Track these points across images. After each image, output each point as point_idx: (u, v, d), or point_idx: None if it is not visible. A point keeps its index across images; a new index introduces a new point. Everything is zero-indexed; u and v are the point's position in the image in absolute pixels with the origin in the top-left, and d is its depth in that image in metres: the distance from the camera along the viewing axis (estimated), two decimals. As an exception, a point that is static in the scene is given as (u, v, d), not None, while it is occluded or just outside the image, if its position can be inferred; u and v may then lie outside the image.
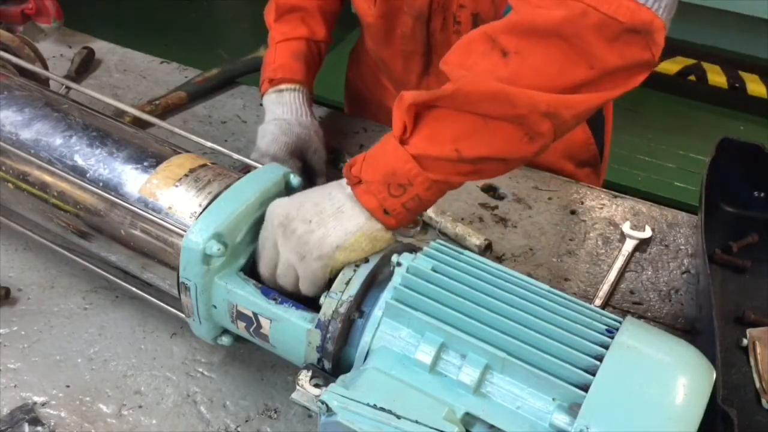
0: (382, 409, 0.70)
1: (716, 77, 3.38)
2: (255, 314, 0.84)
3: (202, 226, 0.84)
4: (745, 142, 1.17)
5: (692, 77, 3.40)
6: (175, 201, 0.89)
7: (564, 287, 1.13)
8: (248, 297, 0.84)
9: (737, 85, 3.35)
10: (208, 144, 1.02)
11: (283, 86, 1.27)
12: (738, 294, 1.09)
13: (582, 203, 1.29)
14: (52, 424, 0.90)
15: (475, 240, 1.17)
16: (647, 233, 1.22)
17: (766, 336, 1.01)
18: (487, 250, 1.17)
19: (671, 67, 3.39)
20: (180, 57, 1.71)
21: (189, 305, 0.88)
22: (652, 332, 0.75)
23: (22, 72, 1.18)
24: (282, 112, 1.25)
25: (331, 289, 0.81)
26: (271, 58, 1.29)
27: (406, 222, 0.84)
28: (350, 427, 0.70)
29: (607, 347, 0.71)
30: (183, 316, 0.91)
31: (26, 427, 0.89)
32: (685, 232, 1.24)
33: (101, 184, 0.93)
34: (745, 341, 1.01)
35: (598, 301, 1.10)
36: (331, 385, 0.73)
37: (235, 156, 1.01)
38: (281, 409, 0.94)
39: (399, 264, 0.80)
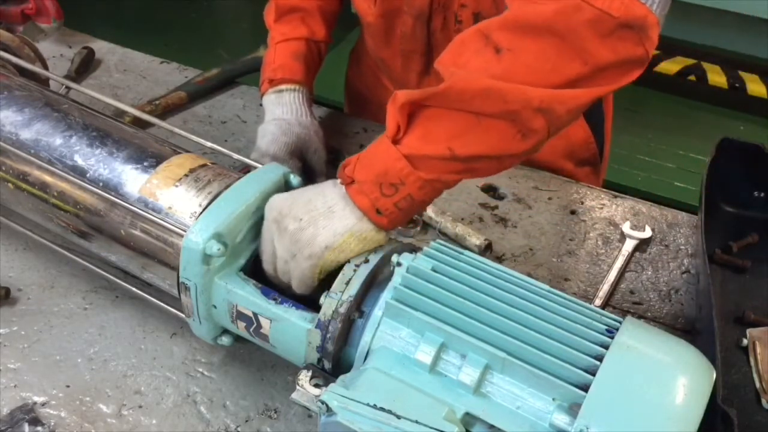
0: (382, 409, 0.70)
1: (716, 77, 3.38)
2: (255, 314, 0.84)
3: (202, 226, 0.84)
4: (745, 142, 1.17)
5: (692, 77, 3.40)
6: (175, 201, 0.89)
7: (564, 287, 1.13)
8: (248, 297, 0.84)
9: (737, 85, 3.35)
10: (208, 144, 1.02)
11: (282, 86, 1.27)
12: (738, 294, 1.09)
13: (582, 203, 1.29)
14: (52, 424, 0.90)
15: (475, 240, 1.17)
16: (647, 233, 1.22)
17: (766, 336, 1.01)
18: (487, 250, 1.17)
19: (671, 67, 3.40)
20: (180, 57, 1.71)
21: (189, 305, 0.88)
22: (652, 332, 0.75)
23: (22, 72, 1.18)
24: (282, 112, 1.25)
25: (331, 289, 0.81)
26: (271, 59, 1.29)
27: (399, 222, 0.84)
28: (350, 427, 0.70)
29: (607, 347, 0.71)
30: (183, 316, 0.91)
31: (26, 427, 0.89)
32: (685, 232, 1.24)
33: (101, 184, 0.93)
34: (745, 341, 1.01)
35: (598, 301, 1.10)
36: (331, 385, 0.73)
37: (235, 156, 1.01)
38: (281, 409, 0.94)
39: (399, 264, 0.80)
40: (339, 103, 1.64)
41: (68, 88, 1.24)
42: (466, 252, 0.83)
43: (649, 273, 1.16)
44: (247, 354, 1.00)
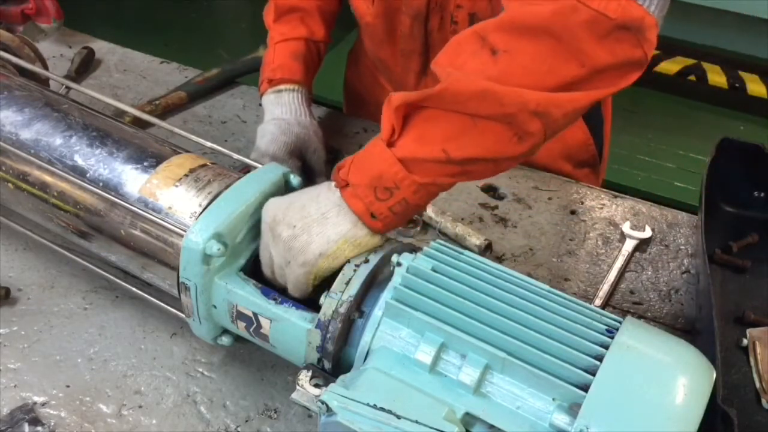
0: (382, 409, 0.70)
1: (716, 77, 3.38)
2: (255, 314, 0.84)
3: (202, 226, 0.84)
4: (745, 142, 1.17)
5: (692, 77, 3.40)
6: (175, 201, 0.89)
7: (564, 287, 1.13)
8: (248, 297, 0.84)
9: (737, 85, 3.35)
10: (208, 144, 1.02)
11: (281, 87, 1.27)
12: (738, 294, 1.09)
13: (582, 203, 1.29)
14: (52, 424, 0.90)
15: (475, 240, 1.17)
16: (647, 233, 1.22)
17: (766, 336, 1.01)
18: (487, 250, 1.17)
19: (671, 67, 3.40)
20: (180, 57, 1.71)
21: (189, 305, 0.88)
22: (652, 332, 0.75)
23: (22, 72, 1.18)
24: (281, 112, 1.25)
25: (331, 289, 0.81)
26: (270, 59, 1.29)
27: (393, 225, 0.84)
28: (350, 427, 0.70)
29: (607, 347, 0.71)
30: (183, 316, 0.91)
31: (26, 427, 0.89)
32: (685, 232, 1.24)
33: (101, 184, 0.93)
34: (745, 341, 1.01)
35: (598, 301, 1.10)
36: (331, 385, 0.73)
37: (235, 156, 1.01)
38: (281, 409, 0.94)
39: (399, 264, 0.80)
40: (338, 103, 1.64)
41: (68, 88, 1.24)
42: (466, 252, 0.83)
43: (649, 273, 1.16)
44: (247, 354, 1.00)
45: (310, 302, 0.84)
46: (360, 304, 0.81)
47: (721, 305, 1.05)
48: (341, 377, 0.75)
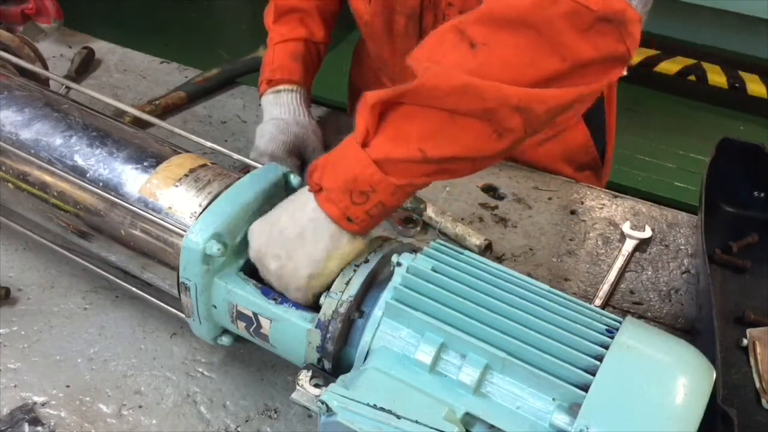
0: (382, 409, 0.70)
1: (716, 77, 3.38)
2: (255, 314, 0.84)
3: (202, 226, 0.84)
4: (745, 142, 1.16)
5: (692, 77, 3.40)
6: (175, 201, 0.89)
7: (564, 287, 1.13)
8: (248, 297, 0.84)
9: (737, 85, 3.35)
10: (208, 144, 1.02)
11: (280, 87, 1.27)
12: (738, 294, 1.09)
13: (582, 203, 1.29)
14: (52, 424, 0.90)
15: (475, 240, 1.17)
16: (647, 233, 1.22)
17: (766, 336, 1.01)
18: (487, 250, 1.17)
19: (671, 67, 3.40)
20: (180, 57, 1.71)
21: (189, 305, 0.88)
22: (652, 332, 0.75)
23: (22, 72, 1.18)
24: (280, 112, 1.25)
25: (331, 289, 0.81)
26: (270, 59, 1.29)
27: (371, 227, 0.82)
28: (350, 427, 0.70)
29: (607, 347, 0.71)
30: (183, 316, 0.91)
31: (26, 427, 0.89)
32: (685, 232, 1.24)
33: (101, 184, 0.93)
34: (745, 341, 1.01)
35: (598, 301, 1.10)
36: (331, 385, 0.73)
37: (235, 156, 1.01)
38: (281, 409, 0.94)
39: (399, 264, 0.80)
40: (339, 103, 1.64)
41: (68, 88, 1.25)
42: (466, 252, 0.83)
43: (649, 273, 1.16)
44: (247, 354, 1.00)
45: (310, 302, 0.84)
46: (360, 304, 0.81)
47: (721, 305, 1.05)
48: (341, 377, 0.75)
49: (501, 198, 1.30)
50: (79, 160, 0.95)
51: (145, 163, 0.93)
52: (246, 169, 1.00)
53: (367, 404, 0.70)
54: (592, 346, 0.71)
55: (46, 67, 1.27)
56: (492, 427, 0.71)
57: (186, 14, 4.15)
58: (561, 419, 0.69)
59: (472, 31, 0.78)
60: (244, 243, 0.87)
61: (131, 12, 4.09)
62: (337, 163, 0.79)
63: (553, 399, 0.70)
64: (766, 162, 1.15)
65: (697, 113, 3.32)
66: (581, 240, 1.22)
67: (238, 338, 0.93)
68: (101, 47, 1.66)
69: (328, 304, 0.80)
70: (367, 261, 0.82)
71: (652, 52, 3.38)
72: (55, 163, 0.95)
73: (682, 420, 0.66)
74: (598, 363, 0.70)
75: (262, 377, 0.98)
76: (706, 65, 3.43)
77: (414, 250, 0.85)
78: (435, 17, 1.21)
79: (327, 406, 0.71)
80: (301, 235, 0.80)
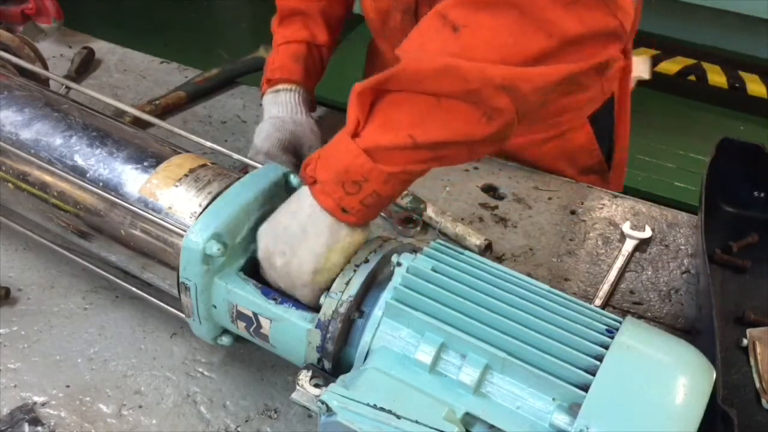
0: (382, 409, 0.70)
1: (716, 77, 3.38)
2: (255, 314, 0.84)
3: (202, 226, 0.84)
4: (745, 142, 1.16)
5: (692, 77, 3.40)
6: (175, 201, 0.89)
7: (564, 287, 1.13)
8: (248, 297, 0.84)
9: (737, 85, 3.34)
10: (208, 144, 1.02)
11: (279, 86, 1.27)
12: (738, 294, 1.09)
13: (582, 203, 1.29)
14: (52, 424, 0.90)
15: (475, 240, 1.17)
16: (647, 233, 1.22)
17: (766, 336, 1.01)
18: (487, 250, 1.17)
19: (671, 67, 3.39)
20: (180, 57, 1.71)
21: (189, 305, 0.88)
22: (652, 332, 0.75)
23: (22, 72, 1.18)
24: (277, 111, 1.25)
25: (331, 289, 0.81)
26: (271, 60, 1.30)
27: (368, 217, 0.82)
28: (350, 427, 0.70)
29: (607, 347, 0.71)
30: (183, 316, 0.91)
31: (26, 427, 0.89)
32: (685, 232, 1.24)
33: (101, 184, 0.93)
34: (745, 341, 1.01)
35: (598, 301, 1.10)
36: (331, 385, 0.73)
37: (235, 156, 1.01)
38: (281, 409, 0.94)
39: (399, 264, 0.80)
40: (340, 103, 1.63)
41: (68, 88, 1.24)
42: (466, 252, 0.83)
43: (649, 273, 1.16)
44: (247, 354, 1.00)
45: (310, 302, 0.84)
46: (360, 304, 0.81)
47: (721, 305, 1.05)
48: (341, 377, 0.75)
49: (501, 198, 1.30)
50: (79, 160, 0.95)
51: (145, 163, 0.93)
52: (246, 169, 1.00)
53: (367, 404, 0.70)
54: (592, 346, 0.71)
55: (46, 67, 1.27)
56: (492, 427, 0.71)
57: (186, 14, 4.15)
58: (561, 419, 0.69)
59: (453, 14, 0.77)
60: (244, 243, 0.87)
61: (131, 12, 4.09)
62: (329, 155, 0.80)
63: (553, 399, 0.70)
64: (766, 162, 1.15)
65: (697, 113, 3.31)
66: (581, 240, 1.22)
67: (238, 338, 0.93)
68: (101, 47, 1.66)
69: (328, 304, 0.80)
70: (367, 261, 0.82)
71: (652, 52, 3.38)
72: (55, 163, 0.95)
73: (682, 420, 0.66)
74: (598, 363, 0.70)
75: (262, 377, 0.98)
76: (706, 65, 3.42)
77: (414, 250, 0.85)
78: (430, 8, 1.21)
79: (327, 406, 0.71)
80: (303, 230, 0.81)
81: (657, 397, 0.67)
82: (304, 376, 0.79)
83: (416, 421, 0.69)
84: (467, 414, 0.72)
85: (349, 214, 0.80)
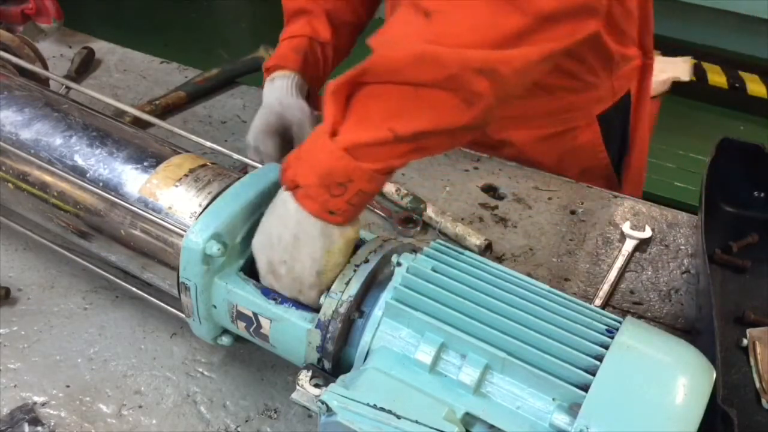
0: (382, 409, 0.70)
1: (716, 77, 3.38)
2: (255, 314, 0.84)
3: (202, 226, 0.84)
4: (745, 142, 1.16)
5: (692, 77, 3.40)
6: (175, 201, 0.89)
7: (564, 287, 1.13)
8: (248, 297, 0.84)
9: (737, 85, 3.35)
10: (208, 144, 1.02)
11: (275, 74, 1.23)
12: (738, 294, 1.09)
13: (582, 203, 1.29)
14: (52, 424, 0.90)
15: (475, 240, 1.17)
16: (647, 233, 1.22)
17: (766, 336, 1.01)
18: (487, 250, 1.17)
19: (671, 67, 3.40)
20: (180, 57, 1.71)
21: (189, 305, 0.88)
22: (652, 332, 0.75)
23: (22, 72, 1.18)
24: (268, 99, 1.21)
25: (331, 289, 0.81)
26: (273, 55, 1.29)
27: (355, 215, 0.80)
28: (350, 427, 0.70)
29: (607, 347, 0.71)
30: (183, 316, 0.91)
31: (26, 427, 0.89)
32: (685, 232, 1.24)
33: (101, 184, 0.93)
34: (745, 341, 1.01)
35: (598, 301, 1.10)
36: (331, 385, 0.73)
37: (235, 156, 1.01)
38: (281, 409, 0.94)
39: (399, 264, 0.80)
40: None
41: (68, 88, 1.25)
42: (466, 252, 0.83)
43: (649, 273, 1.16)
44: (247, 354, 1.00)
45: (310, 302, 0.84)
46: (360, 304, 0.81)
47: (721, 305, 1.05)
48: (341, 377, 0.75)
49: (501, 198, 1.30)
50: (79, 160, 0.95)
51: (145, 163, 0.93)
52: (246, 169, 1.00)
53: (367, 404, 0.70)
54: (592, 346, 0.71)
55: (46, 67, 1.27)
56: (492, 427, 0.71)
57: (186, 14, 4.16)
58: (561, 419, 0.69)
59: (425, 1, 0.75)
60: (244, 243, 0.87)
61: (131, 12, 4.09)
62: (308, 157, 0.78)
63: (553, 399, 0.70)
64: (766, 162, 1.15)
65: (697, 113, 3.31)
66: (581, 240, 1.22)
67: (238, 338, 0.93)
68: (101, 47, 1.66)
69: (328, 304, 0.80)
70: (367, 261, 0.82)
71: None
72: (55, 163, 0.95)
73: (682, 420, 0.66)
74: (598, 363, 0.70)
75: (262, 377, 0.98)
76: (706, 65, 3.42)
77: (414, 250, 0.85)
78: None
79: (327, 406, 0.71)
80: (296, 238, 0.80)
81: (657, 397, 0.67)
82: (304, 376, 0.79)
83: (416, 421, 0.69)
84: (467, 414, 0.72)
85: (336, 216, 0.78)
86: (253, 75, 1.54)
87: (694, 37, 3.48)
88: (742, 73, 3.39)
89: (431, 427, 0.69)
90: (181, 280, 0.86)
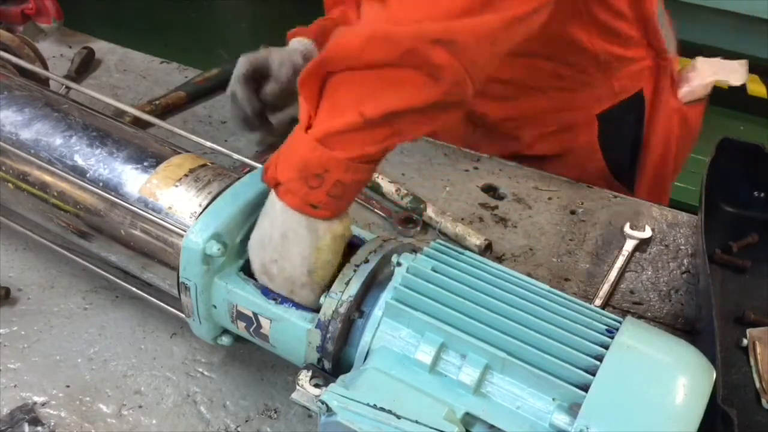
0: (382, 409, 0.70)
1: (716, 77, 3.37)
2: (255, 314, 0.84)
3: (202, 226, 0.84)
4: (745, 142, 1.17)
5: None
6: (175, 201, 0.89)
7: (564, 287, 1.13)
8: (248, 297, 0.84)
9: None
10: (208, 144, 1.02)
11: (292, 40, 1.22)
12: (738, 294, 1.09)
13: (582, 203, 1.29)
14: (52, 424, 0.90)
15: (475, 240, 1.17)
16: (647, 233, 1.22)
17: (766, 336, 1.01)
18: (487, 250, 1.17)
19: (671, 67, 3.40)
20: (180, 57, 1.71)
21: (189, 305, 0.88)
22: (652, 332, 0.75)
23: (22, 72, 1.18)
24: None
25: (331, 289, 0.81)
26: None
27: (341, 208, 0.80)
28: (350, 427, 0.70)
29: (607, 347, 0.71)
30: (183, 316, 0.91)
31: (26, 427, 0.89)
32: (685, 232, 1.24)
33: (101, 184, 0.93)
34: (745, 341, 1.01)
35: (598, 301, 1.10)
36: (331, 385, 0.73)
37: (235, 156, 1.01)
38: (281, 409, 0.94)
39: (399, 264, 0.80)
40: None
41: (68, 88, 1.24)
42: (466, 252, 0.83)
43: (649, 273, 1.16)
44: (247, 354, 1.00)
45: (310, 302, 0.84)
46: (360, 304, 0.81)
47: (721, 305, 1.05)
48: (341, 377, 0.75)
49: (501, 198, 1.30)
50: (79, 160, 0.95)
51: (145, 163, 0.93)
52: (246, 169, 1.00)
53: (367, 404, 0.70)
54: (592, 346, 0.71)
55: (46, 67, 1.27)
56: (492, 427, 0.71)
57: (186, 14, 4.15)
58: (561, 419, 0.69)
59: None
60: (244, 243, 0.87)
61: (131, 12, 4.09)
62: (288, 153, 0.78)
63: (553, 399, 0.70)
64: (766, 162, 1.15)
65: (697, 113, 3.31)
66: (581, 240, 1.22)
67: (238, 338, 0.93)
68: (101, 47, 1.66)
69: (328, 304, 0.80)
70: (367, 261, 0.82)
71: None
72: (55, 163, 0.95)
73: (682, 420, 0.66)
74: (598, 363, 0.70)
75: (262, 377, 0.98)
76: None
77: (414, 250, 0.85)
78: None
79: (327, 406, 0.71)
80: (284, 236, 0.80)
81: (657, 397, 0.67)
82: (304, 376, 0.79)
83: (416, 421, 0.69)
84: (467, 414, 0.72)
85: (319, 209, 0.78)
86: (253, 75, 1.53)
87: (694, 37, 3.47)
88: (742, 73, 3.39)
89: (431, 427, 0.69)
90: (181, 280, 0.86)
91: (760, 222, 1.18)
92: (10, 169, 0.99)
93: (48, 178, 0.96)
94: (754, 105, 3.27)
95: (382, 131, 0.76)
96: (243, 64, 1.16)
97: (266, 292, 0.85)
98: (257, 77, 1.16)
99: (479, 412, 0.72)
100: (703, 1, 3.22)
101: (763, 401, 0.95)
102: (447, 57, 0.73)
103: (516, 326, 0.73)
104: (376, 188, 1.27)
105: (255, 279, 0.87)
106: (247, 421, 0.92)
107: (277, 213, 0.80)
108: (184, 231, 0.85)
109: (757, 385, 0.96)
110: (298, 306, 0.83)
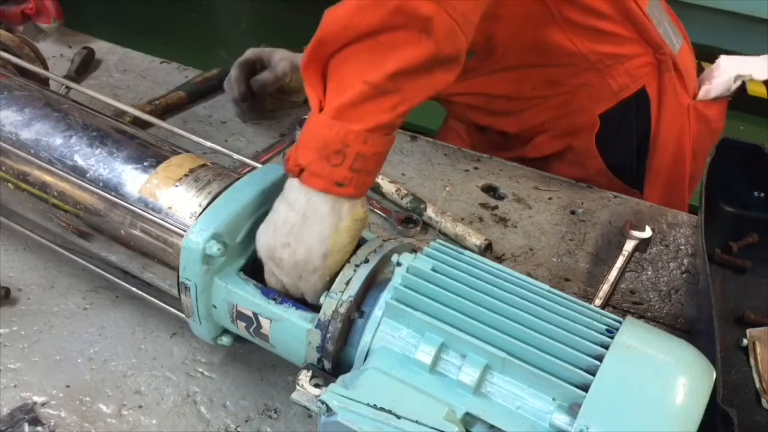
0: (382, 409, 0.70)
1: (716, 77, 3.37)
2: (255, 314, 0.84)
3: (202, 226, 0.84)
4: (745, 142, 1.17)
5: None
6: (175, 201, 0.89)
7: (564, 287, 1.13)
8: (248, 297, 0.84)
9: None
10: (208, 144, 1.03)
11: None
12: (738, 294, 1.09)
13: (582, 203, 1.29)
14: (52, 424, 0.90)
15: (475, 240, 1.17)
16: (647, 233, 1.21)
17: (766, 336, 1.01)
18: (487, 250, 1.17)
19: (671, 67, 3.40)
20: (180, 57, 1.71)
21: (189, 305, 0.88)
22: (652, 332, 0.75)
23: (22, 72, 1.18)
24: None
25: (331, 289, 0.81)
26: None
27: (365, 185, 0.82)
28: (350, 427, 0.70)
29: (607, 347, 0.71)
30: (183, 316, 0.91)
31: (26, 427, 0.89)
32: (685, 232, 1.24)
33: (101, 184, 0.93)
34: (745, 341, 1.01)
35: (598, 301, 1.10)
36: (331, 385, 0.74)
37: (235, 156, 1.01)
38: (281, 409, 0.94)
39: (399, 264, 0.80)
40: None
41: (68, 88, 1.24)
42: (466, 252, 0.83)
43: (649, 273, 1.16)
44: (247, 354, 1.00)
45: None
46: (360, 304, 0.81)
47: (721, 305, 1.05)
48: (341, 377, 0.75)
49: (501, 198, 1.30)
50: (79, 160, 0.95)
51: (145, 163, 0.93)
52: (246, 169, 1.00)
53: (367, 404, 0.70)
54: (592, 346, 0.72)
55: (46, 67, 1.27)
56: (492, 427, 0.71)
57: (186, 14, 4.15)
58: (561, 419, 0.69)
59: None
60: (244, 243, 0.87)
61: (131, 12, 4.08)
62: (306, 139, 0.80)
63: (553, 399, 0.70)
64: (766, 162, 1.15)
65: (696, 113, 3.31)
66: (581, 240, 1.22)
67: (238, 338, 0.93)
68: (101, 47, 1.66)
69: (328, 304, 0.80)
70: (367, 261, 0.83)
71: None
72: (55, 163, 0.95)
73: (682, 420, 0.66)
74: (598, 363, 0.70)
75: (262, 377, 0.98)
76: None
77: (414, 250, 0.85)
78: None
79: (327, 406, 0.71)
80: (304, 218, 0.81)
81: (657, 397, 0.67)
82: (304, 376, 0.79)
83: (416, 421, 0.69)
84: (467, 414, 0.72)
85: (344, 187, 0.80)
86: (253, 75, 1.53)
87: (694, 37, 3.47)
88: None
89: (431, 427, 0.69)
90: (181, 280, 0.86)
91: (760, 222, 1.18)
92: (10, 169, 0.99)
93: (48, 178, 0.96)
94: (754, 105, 3.27)
95: (391, 98, 0.78)
96: (248, 52, 1.22)
97: (266, 292, 0.85)
98: (256, 66, 1.21)
99: (479, 412, 0.72)
100: (703, 1, 3.22)
101: (763, 401, 0.95)
102: (433, 7, 0.76)
103: (516, 326, 0.73)
104: (376, 188, 1.27)
105: (255, 279, 0.87)
106: (247, 421, 0.92)
107: (299, 197, 0.81)
108: (184, 231, 0.85)
109: (757, 385, 0.96)
110: (298, 306, 0.83)
